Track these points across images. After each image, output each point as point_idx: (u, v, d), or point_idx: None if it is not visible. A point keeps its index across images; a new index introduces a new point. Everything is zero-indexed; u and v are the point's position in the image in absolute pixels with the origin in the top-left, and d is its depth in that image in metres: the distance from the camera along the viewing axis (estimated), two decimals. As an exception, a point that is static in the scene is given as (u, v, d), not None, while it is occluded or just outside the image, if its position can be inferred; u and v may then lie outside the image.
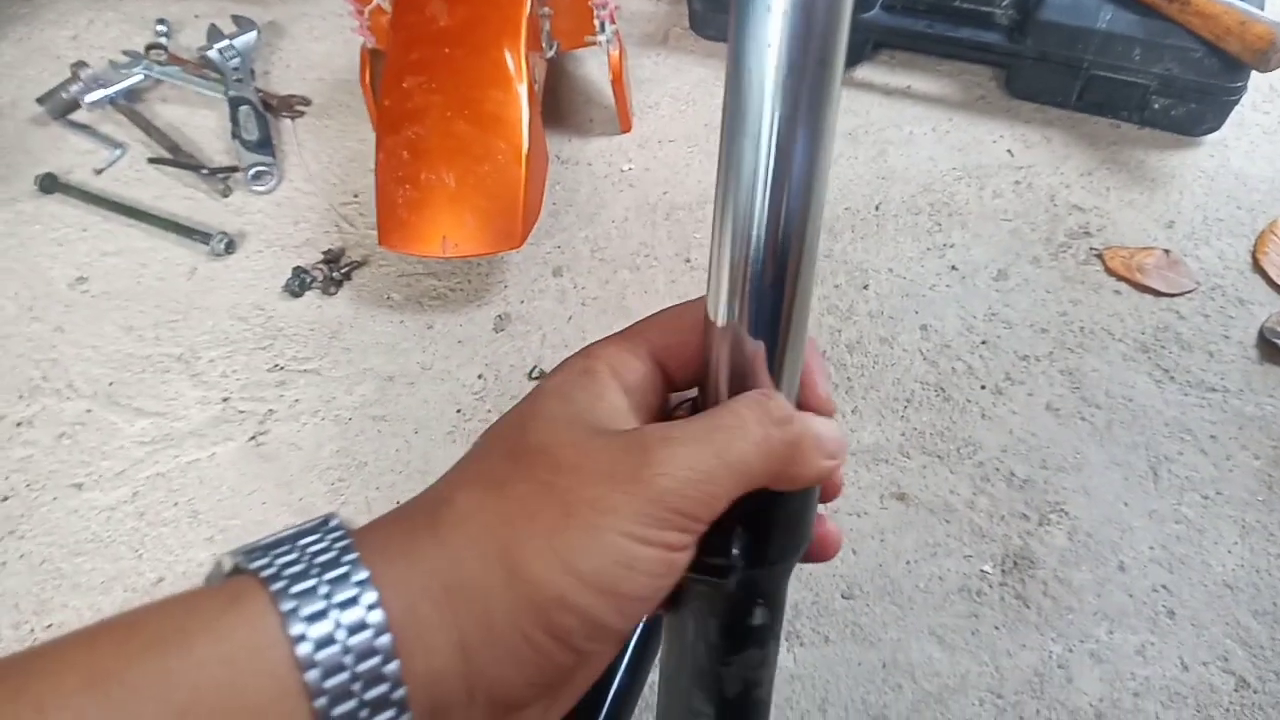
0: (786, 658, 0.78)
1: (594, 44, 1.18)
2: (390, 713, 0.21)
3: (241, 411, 0.99)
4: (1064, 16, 1.17)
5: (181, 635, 0.20)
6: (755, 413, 0.26)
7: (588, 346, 0.28)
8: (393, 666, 0.21)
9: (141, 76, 1.31)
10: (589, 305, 1.07)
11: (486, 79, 1.04)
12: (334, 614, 0.21)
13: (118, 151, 1.25)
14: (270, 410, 0.99)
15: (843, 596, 0.81)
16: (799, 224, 0.25)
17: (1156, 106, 1.19)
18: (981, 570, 0.82)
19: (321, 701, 0.20)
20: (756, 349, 0.27)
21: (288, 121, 1.29)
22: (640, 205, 1.17)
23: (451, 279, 1.10)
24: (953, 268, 1.06)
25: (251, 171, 1.20)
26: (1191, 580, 0.81)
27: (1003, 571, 0.82)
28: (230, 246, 1.13)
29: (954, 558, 0.83)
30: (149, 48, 1.34)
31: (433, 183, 1.01)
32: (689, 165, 1.21)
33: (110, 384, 1.01)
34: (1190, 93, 1.16)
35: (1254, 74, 1.12)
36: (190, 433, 0.97)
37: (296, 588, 0.21)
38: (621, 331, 0.29)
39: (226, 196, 1.20)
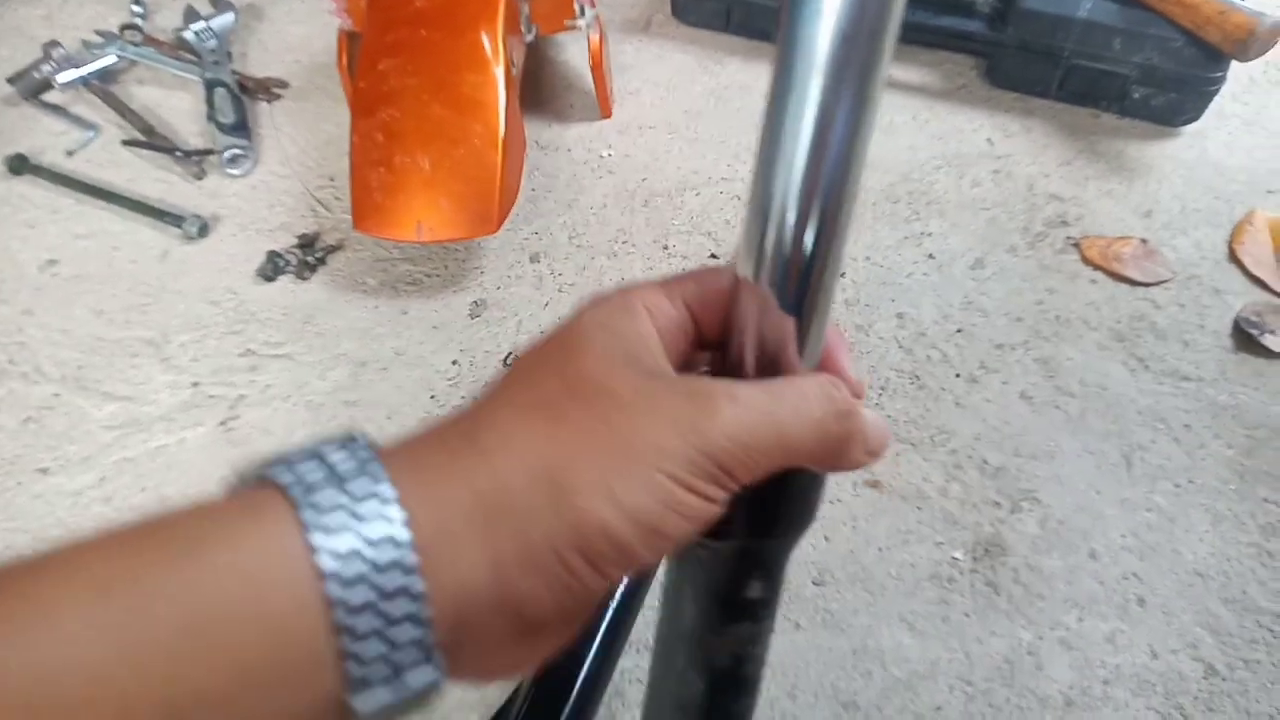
0: (757, 644, 0.78)
1: (574, 28, 1.17)
2: (412, 628, 0.21)
3: (212, 396, 0.98)
4: (1045, 5, 1.17)
5: (197, 544, 0.20)
6: (821, 398, 0.26)
7: (623, 285, 0.29)
8: (416, 581, 0.21)
9: (116, 57, 1.29)
10: (566, 292, 1.06)
11: (463, 62, 1.03)
12: (357, 527, 0.21)
13: (90, 133, 1.23)
14: (241, 395, 0.98)
15: (814, 583, 0.81)
16: (838, 188, 0.26)
17: (1136, 96, 1.19)
18: (953, 557, 0.82)
19: (341, 614, 0.20)
20: (784, 315, 0.27)
21: (264, 105, 1.28)
22: (619, 192, 1.16)
23: (427, 264, 1.09)
24: (930, 256, 1.06)
25: (227, 155, 1.19)
26: (1162, 568, 0.81)
27: (974, 559, 0.82)
28: (204, 230, 1.11)
29: (926, 545, 0.83)
30: (124, 28, 1.32)
31: (408, 166, 1.00)
32: (669, 152, 1.20)
33: (79, 368, 1.00)
34: (1170, 82, 1.16)
35: (1234, 64, 1.12)
36: (159, 417, 0.96)
37: (317, 498, 0.21)
38: (659, 279, 0.30)
39: (201, 180, 1.18)
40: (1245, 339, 0.96)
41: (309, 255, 1.08)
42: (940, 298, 1.02)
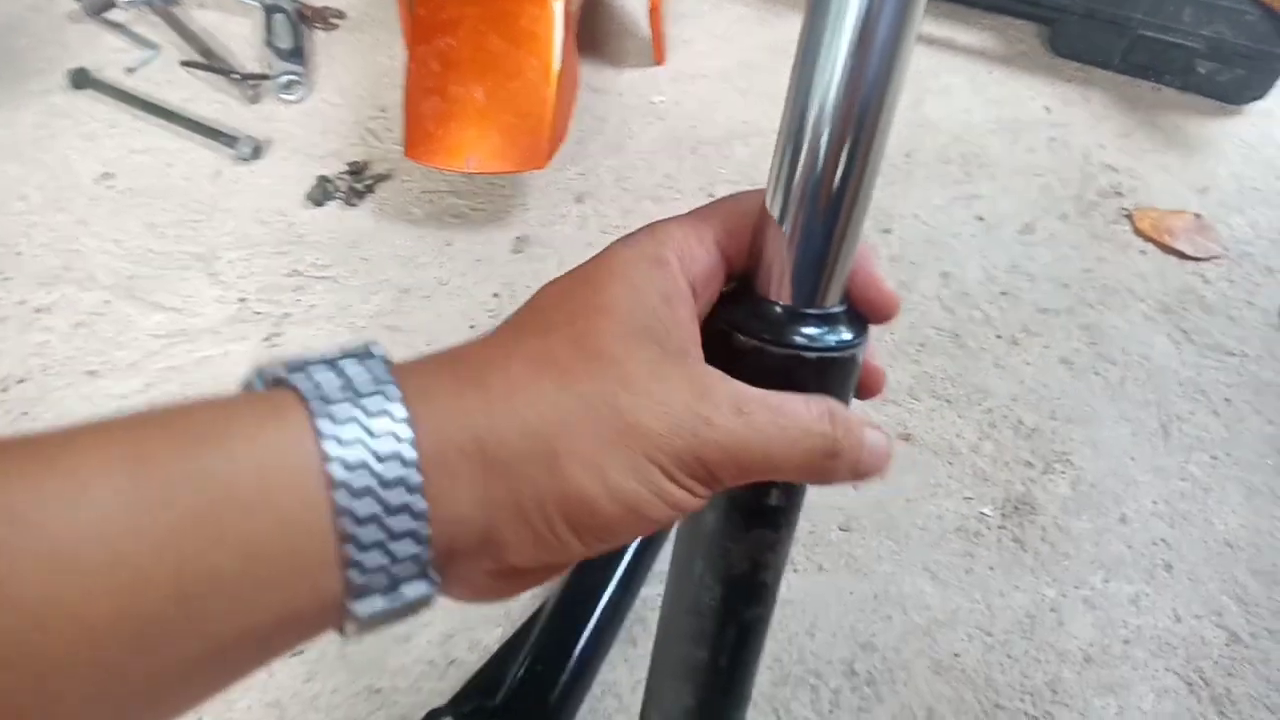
0: (779, 583, 0.78)
1: (632, -29, 1.16)
2: (412, 544, 0.22)
3: (258, 313, 0.99)
4: (1114, -29, 1.14)
5: (221, 436, 0.20)
6: (816, 434, 0.27)
7: (655, 226, 0.28)
8: (419, 500, 0.22)
9: (178, -20, 1.31)
10: (609, 233, 1.06)
11: (522, -6, 1.03)
12: (367, 440, 0.21)
13: (151, 52, 1.25)
14: (286, 314, 0.99)
15: (840, 529, 0.82)
16: (872, 115, 0.26)
17: (1202, 71, 1.16)
18: (981, 512, 0.82)
19: (346, 521, 0.21)
20: (811, 241, 0.27)
21: (321, 33, 1.29)
22: (668, 138, 1.16)
23: (474, 198, 1.10)
24: (979, 218, 1.05)
25: (282, 80, 1.20)
26: (1192, 536, 0.81)
27: (1002, 515, 0.82)
28: (257, 152, 1.13)
29: (954, 499, 0.83)
30: (187, -48, 1.33)
31: (461, 96, 1.01)
32: (719, 101, 1.20)
33: (130, 277, 1.02)
34: (1238, 57, 1.13)
35: (1305, 42, 1.10)
36: (205, 330, 0.98)
37: (334, 409, 0.21)
38: (689, 215, 0.29)
39: (256, 103, 1.20)
40: (1295, 318, 0.95)
41: (358, 183, 1.10)
42: (986, 259, 1.01)
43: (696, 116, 1.18)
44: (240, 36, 1.28)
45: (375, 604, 0.22)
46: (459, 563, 0.24)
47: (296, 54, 1.23)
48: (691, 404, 0.25)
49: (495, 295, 1.01)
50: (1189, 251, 1.01)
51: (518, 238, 1.06)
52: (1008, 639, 0.75)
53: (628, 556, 0.78)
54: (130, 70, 1.23)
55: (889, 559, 0.80)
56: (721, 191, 1.10)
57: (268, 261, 1.03)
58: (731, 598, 0.33)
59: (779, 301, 0.28)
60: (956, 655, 0.74)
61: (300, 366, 0.22)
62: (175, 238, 1.06)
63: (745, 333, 0.28)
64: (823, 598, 0.78)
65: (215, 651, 0.20)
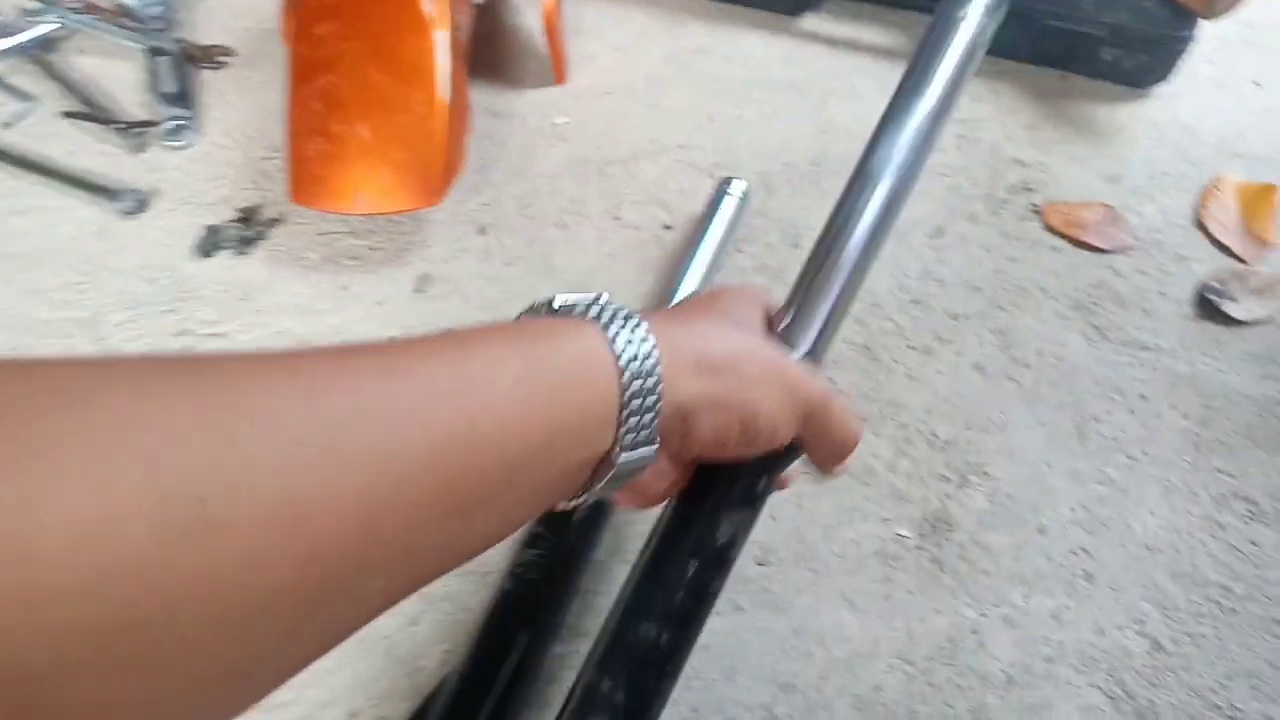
0: (696, 625, 0.76)
1: (523, -9, 1.13)
2: (652, 418, 0.34)
3: (149, 375, 0.95)
4: (1011, -38, 1.13)
5: (556, 338, 0.33)
6: (856, 420, 0.43)
7: (745, 288, 0.45)
8: (659, 387, 0.34)
9: (57, 25, 1.26)
10: (514, 265, 1.03)
11: (404, 25, 0.99)
12: (633, 348, 0.33)
13: (29, 104, 1.19)
14: (179, 374, 0.95)
15: (757, 563, 0.79)
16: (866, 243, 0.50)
17: (1107, 58, 1.15)
18: (898, 534, 0.80)
19: (625, 397, 0.33)
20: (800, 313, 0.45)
21: (209, 73, 1.24)
22: (572, 160, 1.13)
23: (372, 238, 1.06)
24: (887, 224, 1.03)
25: (168, 126, 1.15)
26: (1112, 542, 0.79)
27: (920, 535, 0.80)
28: (141, 205, 1.08)
29: (871, 521, 0.81)
30: (64, -5, 1.28)
31: (346, 135, 0.97)
32: (625, 118, 1.17)
33: (11, 349, 0.97)
34: (1140, 43, 1.12)
35: (1206, 25, 1.09)
36: (94, 397, 0.93)
37: (612, 327, 0.34)
38: (755, 290, 0.46)
39: (141, 152, 1.15)
40: (1207, 307, 0.94)
41: (249, 230, 1.05)
42: (897, 268, 0.99)
43: (602, 136, 1.15)
44: (123, 81, 1.23)
45: (625, 456, 0.33)
46: (662, 441, 0.35)
47: (182, 98, 1.18)
48: (801, 365, 0.41)
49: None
50: (1100, 244, 1.00)
51: (419, 276, 1.03)
52: (929, 666, 0.73)
53: (545, 611, 0.75)
54: (7, 125, 1.17)
55: (808, 591, 0.78)
56: (628, 214, 1.07)
57: (155, 322, 0.98)
58: (705, 567, 0.41)
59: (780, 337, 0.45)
60: (878, 689, 0.72)
61: (572, 305, 0.35)
62: (60, 302, 1.01)
63: None
64: (741, 638, 0.75)
65: (543, 490, 0.32)
